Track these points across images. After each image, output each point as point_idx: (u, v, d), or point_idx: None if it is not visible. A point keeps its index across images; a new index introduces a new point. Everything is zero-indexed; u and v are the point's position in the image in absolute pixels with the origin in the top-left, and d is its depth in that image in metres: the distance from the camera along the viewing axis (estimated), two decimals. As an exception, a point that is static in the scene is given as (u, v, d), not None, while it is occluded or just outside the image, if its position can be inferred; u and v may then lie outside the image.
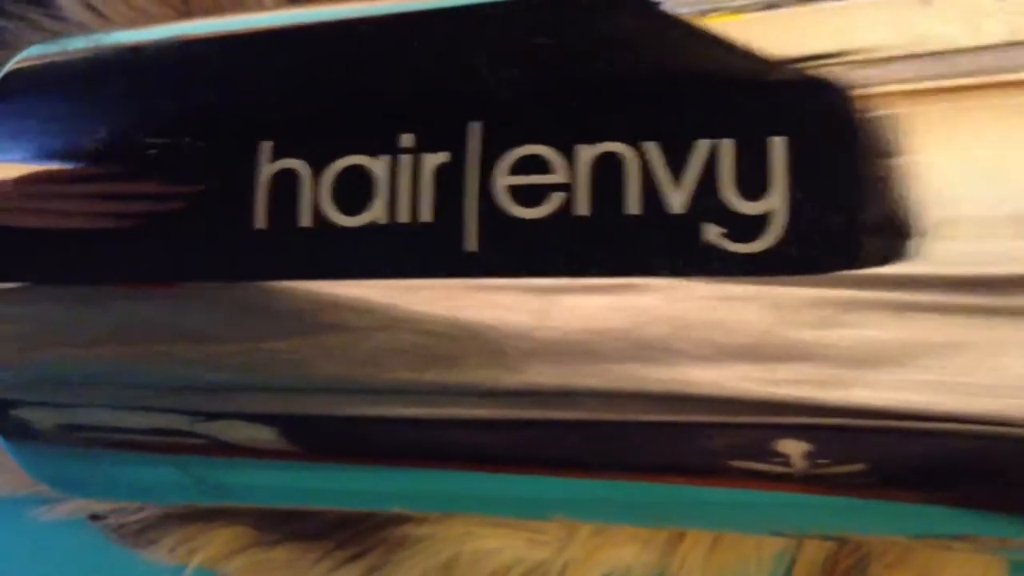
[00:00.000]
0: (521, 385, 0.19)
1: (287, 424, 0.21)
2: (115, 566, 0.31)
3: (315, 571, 0.29)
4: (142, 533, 0.30)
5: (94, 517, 0.31)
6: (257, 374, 0.21)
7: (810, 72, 0.18)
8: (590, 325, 0.18)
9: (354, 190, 0.19)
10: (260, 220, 0.20)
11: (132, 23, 0.32)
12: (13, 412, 0.23)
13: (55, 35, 0.32)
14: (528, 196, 0.19)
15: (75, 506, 0.31)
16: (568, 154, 0.19)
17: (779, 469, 0.18)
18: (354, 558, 0.28)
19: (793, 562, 0.27)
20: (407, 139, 0.20)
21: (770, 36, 0.18)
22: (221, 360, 0.21)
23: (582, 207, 0.18)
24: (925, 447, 0.18)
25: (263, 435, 0.21)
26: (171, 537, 0.30)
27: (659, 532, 0.27)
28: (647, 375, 0.18)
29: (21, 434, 0.23)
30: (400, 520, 0.28)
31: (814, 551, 0.27)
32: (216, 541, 0.29)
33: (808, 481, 0.19)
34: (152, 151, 0.21)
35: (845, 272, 0.17)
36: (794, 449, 0.18)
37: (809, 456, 0.18)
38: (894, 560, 0.27)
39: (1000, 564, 0.26)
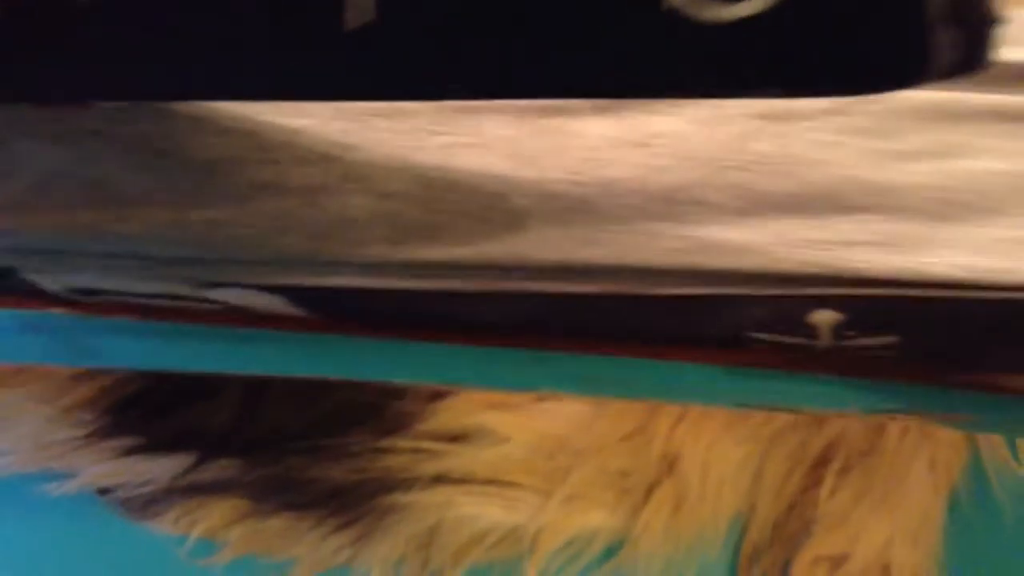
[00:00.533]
0: (513, 260, 0.17)
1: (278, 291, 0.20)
2: (122, 539, 0.33)
3: (308, 538, 0.31)
4: (147, 506, 0.32)
5: (102, 491, 0.33)
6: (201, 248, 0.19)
7: None
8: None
9: None
10: None
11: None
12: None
13: None
14: None
15: (83, 481, 0.33)
16: None
17: (802, 342, 0.17)
18: (344, 526, 0.31)
19: (746, 526, 0.30)
20: None
21: None
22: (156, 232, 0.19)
23: None
24: (970, 314, 0.16)
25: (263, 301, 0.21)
26: (174, 510, 0.32)
27: (624, 498, 0.30)
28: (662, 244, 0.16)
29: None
30: (387, 489, 0.30)
31: (766, 513, 0.30)
32: (215, 513, 0.32)
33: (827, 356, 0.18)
34: None
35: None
36: (825, 320, 0.17)
37: (838, 328, 0.17)
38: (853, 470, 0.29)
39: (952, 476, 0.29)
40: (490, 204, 0.17)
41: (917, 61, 0.15)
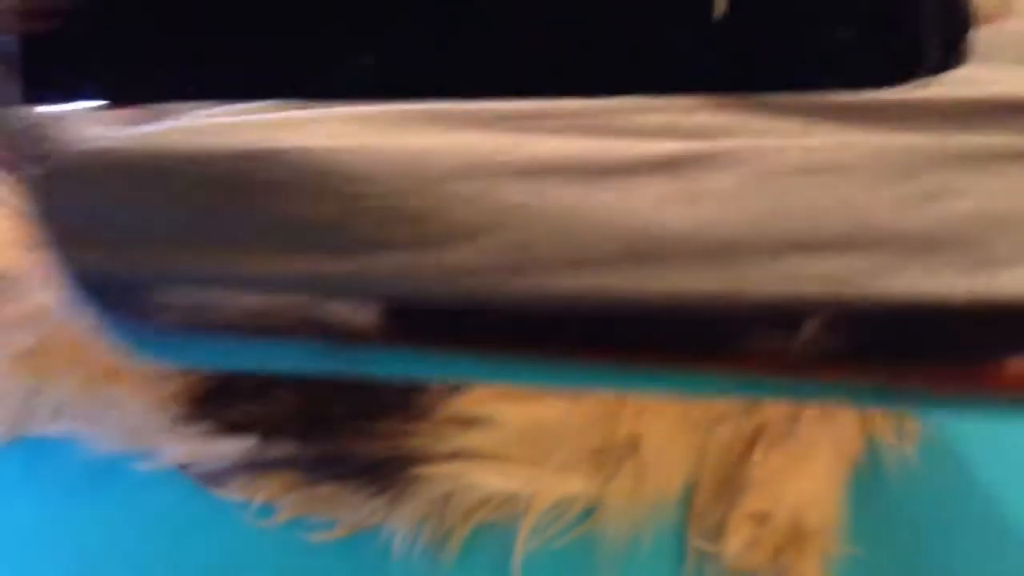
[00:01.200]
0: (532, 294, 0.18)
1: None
2: (198, 505, 0.41)
3: (349, 503, 0.39)
4: (218, 478, 0.40)
5: (183, 467, 0.41)
6: None
7: None
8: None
9: None
10: None
11: None
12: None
13: None
14: None
15: (168, 459, 0.41)
16: None
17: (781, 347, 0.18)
18: (378, 493, 0.39)
19: (693, 491, 0.38)
20: None
21: None
22: None
23: None
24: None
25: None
26: (240, 481, 0.40)
27: (597, 471, 0.38)
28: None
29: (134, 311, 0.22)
30: (412, 463, 0.38)
31: (708, 482, 0.37)
32: (274, 483, 0.40)
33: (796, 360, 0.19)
34: None
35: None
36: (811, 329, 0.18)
37: (815, 337, 0.18)
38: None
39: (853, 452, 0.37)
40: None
41: (911, 59, 0.16)
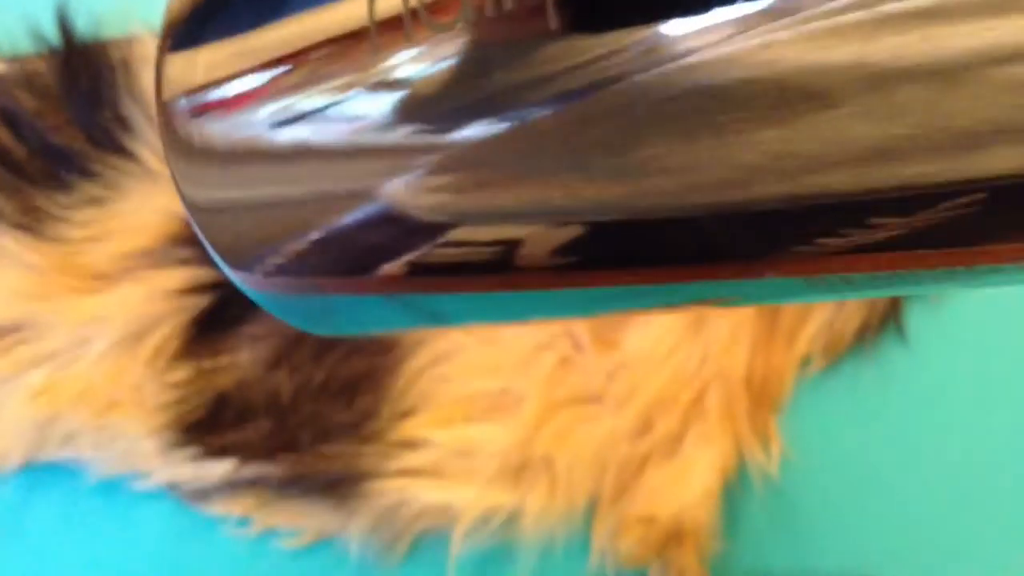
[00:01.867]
0: None
1: None
2: (183, 519, 0.48)
3: (313, 514, 0.47)
4: (202, 496, 0.48)
5: (171, 486, 0.48)
6: None
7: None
8: None
9: None
10: None
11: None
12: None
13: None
14: None
15: (158, 479, 0.48)
16: None
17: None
18: (337, 506, 0.46)
19: (596, 501, 0.46)
20: None
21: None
22: None
23: None
24: None
25: None
26: (222, 498, 0.48)
27: (518, 486, 0.45)
28: None
29: None
30: (365, 479, 0.46)
31: (607, 493, 0.45)
32: (250, 499, 0.47)
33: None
34: None
35: None
36: None
37: None
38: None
39: (726, 467, 0.45)
40: None
41: None
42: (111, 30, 0.53)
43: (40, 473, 0.50)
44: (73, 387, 0.47)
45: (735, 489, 0.46)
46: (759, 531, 0.46)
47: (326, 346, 0.48)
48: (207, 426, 0.47)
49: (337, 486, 0.46)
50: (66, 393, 0.47)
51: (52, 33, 0.52)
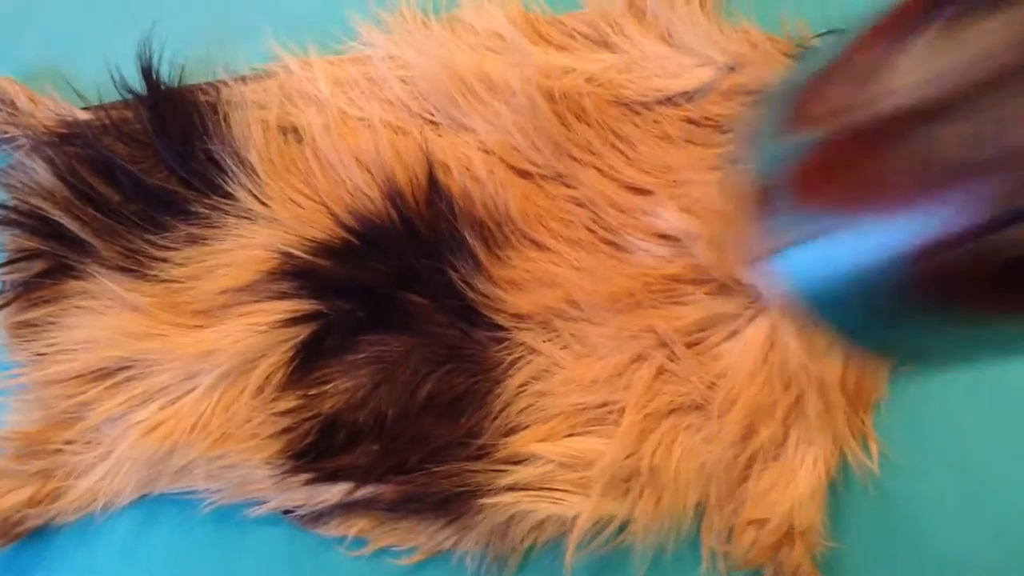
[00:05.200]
0: None
1: None
2: (300, 541, 0.50)
3: (426, 532, 0.48)
4: (317, 519, 0.49)
5: (286, 512, 0.50)
6: None
7: None
8: None
9: None
10: None
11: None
12: None
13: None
14: None
15: (273, 505, 0.50)
16: None
17: None
18: (450, 523, 0.48)
19: (704, 507, 0.47)
20: None
21: None
22: None
23: None
24: None
25: None
26: (336, 520, 0.49)
27: (627, 496, 0.47)
28: None
29: None
30: (477, 496, 0.47)
31: (716, 498, 0.47)
32: (364, 520, 0.49)
33: None
34: None
35: None
36: None
37: None
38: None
39: (830, 468, 0.46)
40: None
41: None
42: (194, 76, 0.55)
43: (154, 506, 0.51)
44: (185, 421, 0.49)
45: (840, 489, 0.47)
46: (866, 527, 0.47)
47: (425, 368, 0.49)
48: (317, 452, 0.48)
49: (448, 503, 0.47)
50: (178, 428, 0.49)
51: (136, 81, 0.54)
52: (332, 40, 0.56)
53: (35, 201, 0.50)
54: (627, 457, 0.47)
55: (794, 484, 0.46)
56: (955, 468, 0.47)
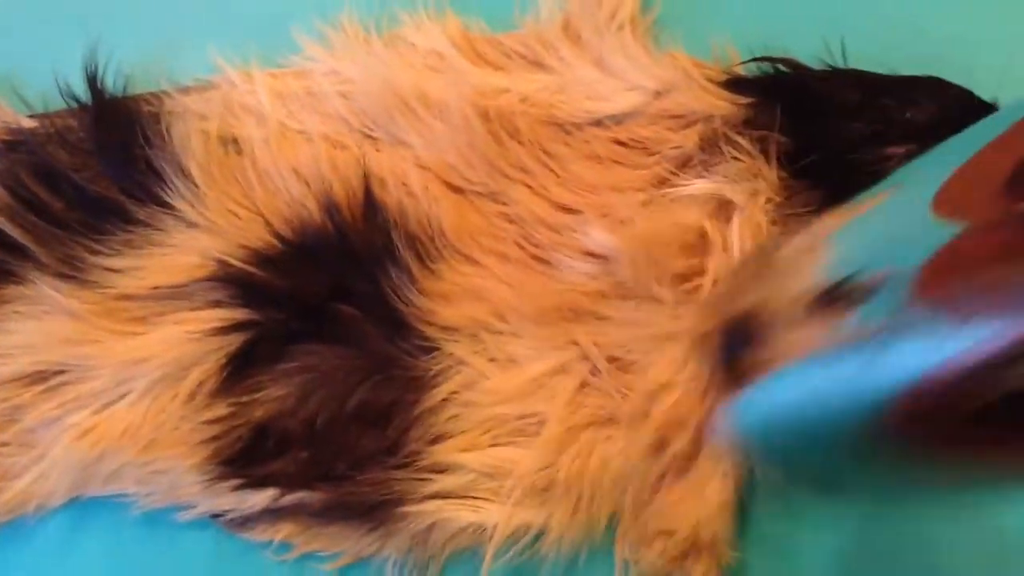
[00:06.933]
0: None
1: None
2: (226, 544, 0.51)
3: (351, 538, 0.49)
4: (244, 524, 0.50)
5: (214, 516, 0.51)
6: None
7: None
8: None
9: None
10: None
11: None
12: None
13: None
14: None
15: (201, 510, 0.51)
16: None
17: None
18: (374, 529, 0.49)
19: (618, 519, 0.49)
20: None
21: None
22: None
23: None
24: None
25: None
26: (263, 525, 0.50)
27: (544, 505, 0.48)
28: None
29: None
30: (400, 503, 0.48)
31: (628, 509, 0.48)
32: (290, 525, 0.50)
33: None
34: None
35: None
36: None
37: None
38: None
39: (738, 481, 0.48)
40: None
41: None
42: (139, 86, 0.56)
43: (84, 508, 0.52)
44: (115, 427, 0.50)
45: (748, 502, 0.49)
46: (773, 540, 0.49)
47: (355, 378, 0.50)
48: (247, 459, 0.49)
49: (373, 511, 0.49)
50: (108, 433, 0.50)
51: (82, 90, 0.55)
52: (275, 54, 0.58)
53: (-25, 208, 0.51)
54: (545, 468, 0.48)
55: (704, 496, 0.47)
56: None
